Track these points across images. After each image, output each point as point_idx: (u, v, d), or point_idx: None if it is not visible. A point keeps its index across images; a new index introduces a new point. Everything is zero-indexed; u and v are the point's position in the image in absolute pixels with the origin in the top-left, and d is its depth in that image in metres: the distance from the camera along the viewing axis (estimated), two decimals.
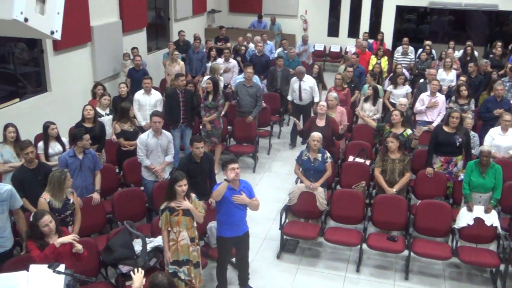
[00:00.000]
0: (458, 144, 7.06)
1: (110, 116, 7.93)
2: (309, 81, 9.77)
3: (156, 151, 6.76)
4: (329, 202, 6.82)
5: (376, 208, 6.60)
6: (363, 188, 7.20)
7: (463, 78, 9.39)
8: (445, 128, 7.16)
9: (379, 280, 6.26)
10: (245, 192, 5.51)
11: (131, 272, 3.89)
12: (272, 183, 8.74)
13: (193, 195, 5.35)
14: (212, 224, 5.97)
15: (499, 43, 12.14)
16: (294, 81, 9.85)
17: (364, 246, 6.41)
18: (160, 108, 8.36)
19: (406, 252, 6.30)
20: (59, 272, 3.70)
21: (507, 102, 8.64)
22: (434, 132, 7.35)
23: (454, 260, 6.26)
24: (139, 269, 3.85)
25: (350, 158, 7.82)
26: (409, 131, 7.26)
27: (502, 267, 6.11)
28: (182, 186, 5.13)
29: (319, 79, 10.61)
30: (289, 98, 10.02)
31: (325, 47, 15.86)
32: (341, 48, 15.67)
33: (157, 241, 5.56)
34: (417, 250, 6.20)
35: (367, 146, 7.99)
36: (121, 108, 7.47)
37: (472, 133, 7.90)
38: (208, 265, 6.01)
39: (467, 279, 6.34)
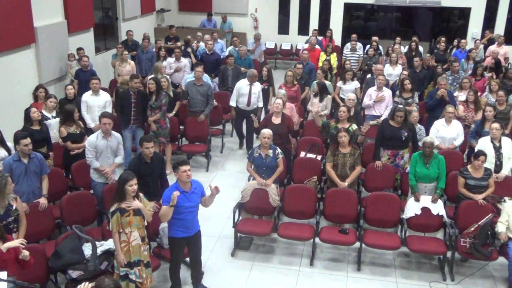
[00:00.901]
0: (404, 138, 7.25)
1: (57, 119, 7.72)
2: (257, 85, 9.44)
3: (105, 152, 6.64)
4: (282, 198, 6.87)
5: (327, 202, 6.70)
6: (314, 183, 7.29)
7: (405, 73, 9.66)
8: (391, 123, 7.34)
9: (332, 273, 6.36)
10: (197, 192, 5.50)
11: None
12: (225, 181, 8.72)
13: (141, 194, 5.31)
14: (164, 225, 5.89)
15: (443, 39, 12.56)
16: (244, 85, 9.35)
17: (317, 239, 6.49)
18: (109, 109, 8.21)
19: (358, 244, 6.43)
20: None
21: (450, 94, 8.93)
22: (380, 127, 7.53)
23: (403, 249, 6.43)
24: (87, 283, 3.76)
25: (302, 154, 7.91)
26: (354, 126, 7.40)
27: (449, 254, 6.33)
28: (133, 185, 5.09)
29: (270, 82, 10.26)
30: (232, 104, 9.51)
31: (276, 45, 15.96)
32: (291, 46, 15.81)
33: (108, 244, 5.47)
34: (368, 241, 6.33)
35: (318, 141, 8.09)
36: (65, 111, 7.26)
37: (418, 125, 8.12)
38: (161, 266, 5.95)
39: (416, 267, 6.53)
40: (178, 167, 5.30)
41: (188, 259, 5.99)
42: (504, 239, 6.01)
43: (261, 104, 9.49)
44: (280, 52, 15.94)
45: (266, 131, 6.83)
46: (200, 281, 5.94)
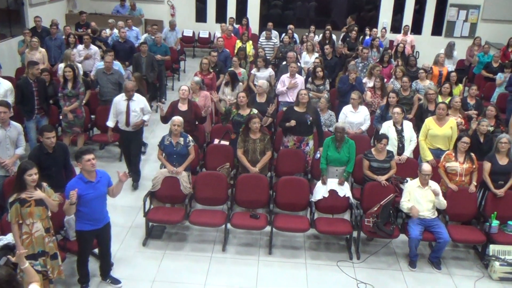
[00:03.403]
0: (309, 122, 7.40)
1: None
2: (139, 101, 7.71)
3: (4, 143, 6.32)
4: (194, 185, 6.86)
5: (238, 188, 6.76)
6: (227, 170, 7.32)
7: (317, 60, 9.90)
8: (296, 108, 7.48)
9: (244, 257, 6.44)
10: (103, 182, 5.38)
11: None
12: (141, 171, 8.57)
13: (44, 184, 5.14)
14: (70, 217, 5.72)
15: (355, 28, 12.99)
16: (120, 101, 7.64)
17: (229, 225, 6.55)
18: (10, 98, 7.78)
19: (269, 228, 6.54)
20: None
21: (359, 80, 9.24)
22: (285, 113, 7.63)
23: (313, 231, 6.62)
24: None
25: (216, 141, 7.91)
26: (255, 110, 7.49)
27: (355, 234, 6.58)
28: (33, 175, 4.90)
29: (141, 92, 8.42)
30: (109, 124, 7.79)
31: (193, 33, 15.79)
32: (209, 34, 15.71)
33: (7, 238, 5.23)
34: (278, 225, 6.46)
35: (231, 128, 8.11)
36: None
37: (329, 112, 8.37)
38: (68, 259, 5.80)
39: (325, 248, 6.75)
40: (82, 156, 5.17)
41: (96, 250, 5.85)
42: (416, 214, 6.27)
43: (146, 117, 7.80)
44: (198, 40, 15.78)
45: (177, 119, 6.77)
46: (109, 272, 5.83)
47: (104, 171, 5.54)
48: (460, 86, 10.03)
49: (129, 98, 7.60)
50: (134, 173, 7.88)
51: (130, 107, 7.58)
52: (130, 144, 7.78)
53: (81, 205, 5.22)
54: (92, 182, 5.25)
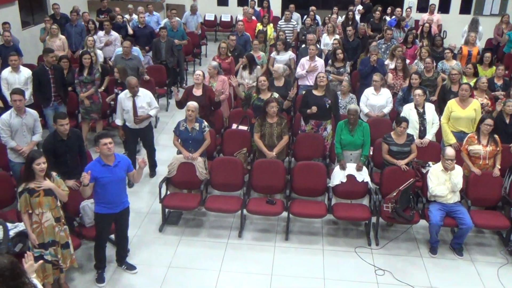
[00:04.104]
0: (327, 106, 7.22)
1: None
2: (145, 95, 7.38)
3: (21, 131, 6.38)
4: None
5: (254, 173, 6.68)
6: (244, 155, 7.24)
7: (335, 42, 9.67)
8: (315, 92, 7.30)
9: (260, 243, 6.37)
10: (121, 166, 5.36)
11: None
12: (159, 156, 8.53)
13: (54, 174, 5.12)
14: (85, 203, 5.75)
15: (379, 8, 12.64)
16: (125, 98, 7.28)
17: (246, 211, 6.48)
18: (31, 86, 7.87)
19: (285, 214, 6.44)
20: None
21: (381, 62, 9.00)
22: (304, 97, 7.45)
23: (331, 217, 6.50)
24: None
25: (234, 126, 7.83)
26: (275, 94, 7.36)
27: (374, 219, 6.44)
28: (41, 164, 4.87)
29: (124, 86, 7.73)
30: (118, 122, 7.47)
31: (215, 17, 15.68)
32: (231, 17, 15.57)
33: (22, 225, 5.26)
34: (294, 210, 6.36)
35: (250, 113, 8.02)
36: None
37: (350, 94, 8.20)
38: (84, 245, 5.84)
39: (343, 234, 6.62)
40: (99, 140, 5.17)
41: (113, 236, 5.88)
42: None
43: (153, 112, 7.53)
44: (220, 24, 15.67)
45: (191, 104, 6.70)
46: (125, 258, 5.85)
47: (125, 156, 5.55)
48: (494, 68, 9.65)
49: (134, 94, 7.25)
50: (151, 166, 7.86)
51: (136, 104, 7.27)
52: (142, 142, 7.82)
53: (98, 188, 5.24)
54: (109, 165, 5.24)
